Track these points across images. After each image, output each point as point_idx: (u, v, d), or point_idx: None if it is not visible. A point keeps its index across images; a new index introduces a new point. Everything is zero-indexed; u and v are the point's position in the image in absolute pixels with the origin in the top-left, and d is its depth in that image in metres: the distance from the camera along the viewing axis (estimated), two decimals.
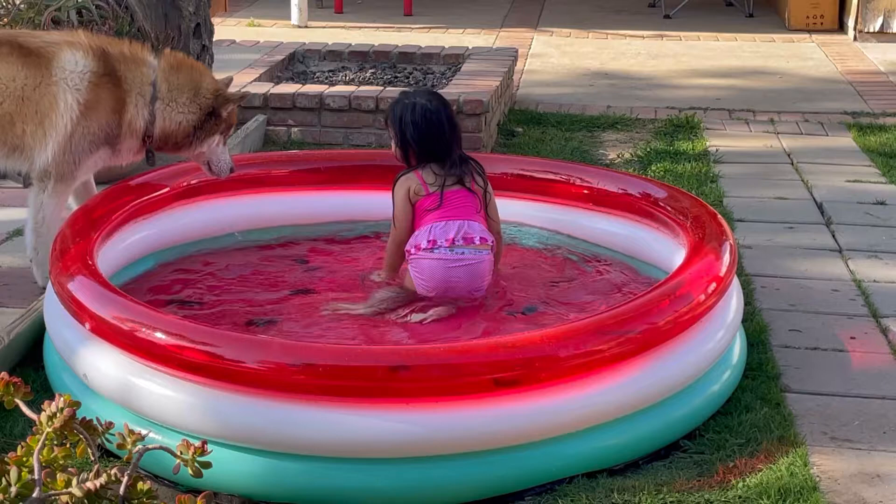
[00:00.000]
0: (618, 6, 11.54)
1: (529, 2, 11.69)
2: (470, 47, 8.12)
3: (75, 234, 4.04)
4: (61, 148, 4.30)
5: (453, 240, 4.19)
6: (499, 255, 4.43)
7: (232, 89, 4.65)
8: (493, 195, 4.38)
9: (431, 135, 4.24)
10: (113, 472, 2.17)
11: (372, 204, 4.74)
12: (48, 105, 4.27)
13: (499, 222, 4.41)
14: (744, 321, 4.20)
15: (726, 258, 3.96)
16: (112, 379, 3.49)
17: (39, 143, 4.30)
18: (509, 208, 4.86)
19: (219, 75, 4.87)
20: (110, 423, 2.31)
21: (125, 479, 2.17)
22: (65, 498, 2.14)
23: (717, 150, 6.78)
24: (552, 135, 7.06)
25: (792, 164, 6.60)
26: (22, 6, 5.72)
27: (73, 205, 4.62)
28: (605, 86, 8.46)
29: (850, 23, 10.10)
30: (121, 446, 2.29)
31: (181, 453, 2.27)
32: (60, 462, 2.21)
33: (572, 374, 3.41)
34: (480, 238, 4.23)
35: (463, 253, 4.20)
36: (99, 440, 2.31)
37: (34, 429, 2.22)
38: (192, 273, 4.61)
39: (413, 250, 4.24)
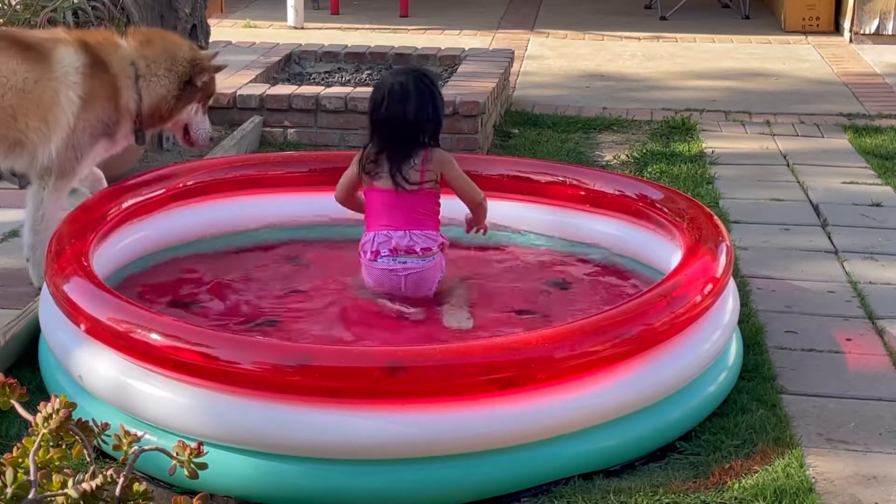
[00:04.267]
0: (614, 8, 11.55)
1: (526, 3, 11.69)
2: (466, 49, 8.12)
3: (71, 234, 4.04)
4: (64, 143, 4.33)
5: (395, 250, 4.24)
6: (482, 217, 4.46)
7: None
8: (458, 177, 4.34)
9: (379, 114, 4.26)
10: (109, 473, 2.17)
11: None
12: (50, 100, 4.29)
13: (472, 191, 4.39)
14: (740, 323, 4.20)
15: (723, 259, 3.96)
16: (107, 380, 3.48)
17: (43, 138, 4.32)
18: (506, 210, 4.87)
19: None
20: (106, 425, 2.30)
21: (121, 481, 2.17)
22: (61, 499, 2.14)
23: (713, 152, 6.79)
24: (548, 136, 7.06)
25: (788, 165, 6.60)
26: (18, 7, 5.72)
27: (86, 192, 4.67)
28: (601, 87, 8.47)
29: (846, 24, 10.11)
30: (117, 447, 2.29)
31: (177, 454, 2.27)
32: (56, 463, 2.20)
33: (569, 375, 3.41)
34: (423, 249, 4.26)
35: (405, 263, 4.24)
36: (95, 441, 2.31)
37: (30, 430, 2.22)
38: (187, 274, 4.61)
39: (362, 254, 4.31)
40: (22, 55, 4.30)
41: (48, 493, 2.14)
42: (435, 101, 4.28)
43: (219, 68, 4.67)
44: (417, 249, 4.25)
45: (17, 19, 5.65)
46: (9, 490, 2.11)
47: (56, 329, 3.76)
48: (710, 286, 3.80)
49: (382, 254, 4.24)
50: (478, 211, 4.44)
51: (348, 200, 4.47)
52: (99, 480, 2.14)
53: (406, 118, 4.21)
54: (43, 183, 4.40)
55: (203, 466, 2.27)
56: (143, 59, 4.46)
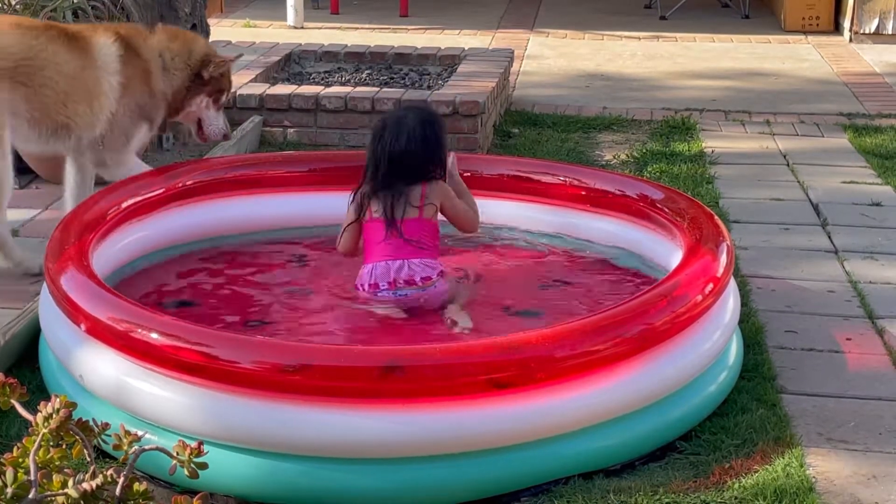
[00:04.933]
0: (614, 7, 11.55)
1: (525, 3, 11.69)
2: (466, 48, 8.12)
3: (70, 234, 4.04)
4: (109, 126, 4.64)
5: (394, 282, 4.20)
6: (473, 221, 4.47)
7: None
8: (456, 206, 4.34)
9: (374, 153, 4.25)
10: (109, 473, 2.17)
11: None
12: (94, 86, 4.59)
13: (472, 219, 4.42)
14: (740, 322, 4.20)
15: (723, 259, 3.96)
16: (108, 380, 3.48)
17: (87, 122, 4.60)
18: (506, 210, 4.87)
19: None
20: (106, 424, 2.31)
21: (121, 480, 2.17)
22: (61, 499, 2.14)
23: (712, 152, 6.79)
24: (548, 136, 7.06)
25: (788, 165, 6.60)
26: (18, 7, 5.72)
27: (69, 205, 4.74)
28: (601, 87, 8.47)
29: (846, 24, 10.11)
30: (117, 447, 2.29)
31: (177, 454, 2.27)
32: (56, 463, 2.20)
33: (569, 375, 3.41)
34: (423, 278, 4.21)
35: (406, 294, 4.20)
36: (95, 441, 2.31)
37: (30, 430, 2.22)
38: (187, 274, 4.61)
39: (358, 288, 4.27)
40: (68, 44, 4.56)
41: (48, 492, 2.14)
42: (439, 140, 4.29)
43: (224, 62, 4.90)
44: (417, 280, 4.20)
45: None
46: (9, 490, 2.11)
47: (56, 329, 3.76)
48: (710, 286, 3.80)
49: (381, 287, 4.19)
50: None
51: (355, 249, 4.39)
52: (99, 480, 2.14)
53: (407, 156, 4.21)
54: (88, 159, 4.72)
55: (203, 466, 2.27)
56: (169, 52, 4.79)
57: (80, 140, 4.62)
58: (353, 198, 4.32)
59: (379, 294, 4.20)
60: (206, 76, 4.83)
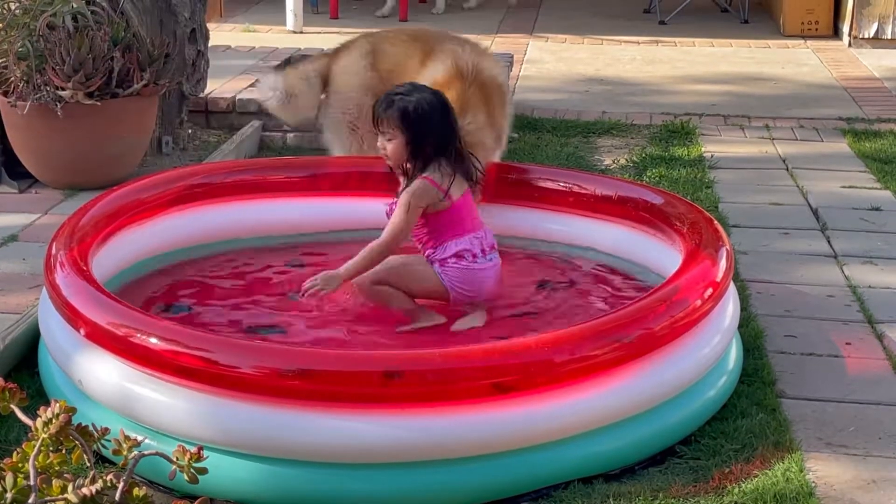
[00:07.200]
0: (613, 12, 11.56)
1: (524, 8, 11.71)
2: None
3: (70, 238, 4.04)
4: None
5: (484, 251, 4.29)
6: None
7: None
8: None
9: (441, 125, 4.24)
10: (109, 477, 2.17)
11: (367, 210, 4.74)
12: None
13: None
14: (739, 327, 4.20)
15: (723, 264, 3.96)
16: (107, 385, 3.48)
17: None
18: (505, 215, 4.87)
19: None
20: (106, 429, 2.31)
21: (121, 485, 2.17)
22: None
23: (712, 156, 6.79)
24: (547, 141, 7.06)
25: (787, 169, 6.61)
26: (17, 11, 5.72)
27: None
28: (600, 91, 8.47)
29: (845, 29, 10.12)
30: (116, 452, 2.29)
31: (177, 459, 2.27)
32: (56, 468, 2.21)
33: (568, 379, 3.41)
34: (493, 242, 4.37)
35: (492, 259, 4.31)
36: (95, 446, 2.31)
37: (30, 435, 2.22)
38: (187, 278, 4.61)
39: (453, 259, 4.25)
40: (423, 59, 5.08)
41: (48, 498, 2.14)
42: None
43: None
44: (495, 244, 4.36)
45: (16, 24, 5.65)
46: (9, 495, 2.11)
47: (56, 333, 3.76)
48: (710, 290, 3.80)
49: (478, 256, 4.27)
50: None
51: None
52: (99, 485, 2.14)
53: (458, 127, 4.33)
54: None
55: (203, 471, 2.27)
56: None
57: None
58: (423, 204, 4.22)
59: (479, 261, 4.26)
60: None
